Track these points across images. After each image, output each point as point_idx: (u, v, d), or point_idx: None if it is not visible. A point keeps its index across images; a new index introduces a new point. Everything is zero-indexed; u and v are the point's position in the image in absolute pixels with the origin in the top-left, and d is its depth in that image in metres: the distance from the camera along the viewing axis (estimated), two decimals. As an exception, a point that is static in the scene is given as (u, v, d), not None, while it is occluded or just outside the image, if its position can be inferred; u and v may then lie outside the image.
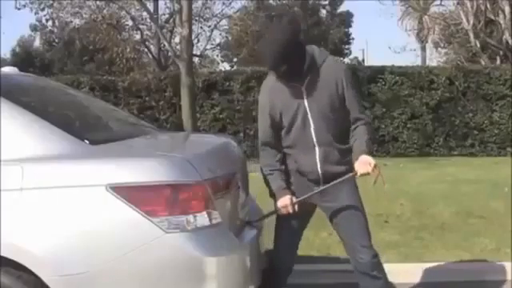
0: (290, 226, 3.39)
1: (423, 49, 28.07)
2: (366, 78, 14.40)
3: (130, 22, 18.62)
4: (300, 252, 4.66)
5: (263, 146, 3.35)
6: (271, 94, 3.28)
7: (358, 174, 3.19)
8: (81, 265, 2.55)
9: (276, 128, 3.29)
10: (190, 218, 2.60)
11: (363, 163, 3.18)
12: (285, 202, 3.25)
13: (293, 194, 3.29)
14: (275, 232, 3.45)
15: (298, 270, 3.51)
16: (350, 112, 3.29)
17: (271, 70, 3.23)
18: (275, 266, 3.43)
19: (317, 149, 3.24)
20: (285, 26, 3.15)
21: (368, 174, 3.18)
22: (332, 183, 3.24)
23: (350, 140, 3.30)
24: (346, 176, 3.24)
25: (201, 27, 18.83)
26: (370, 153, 3.23)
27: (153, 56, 19.48)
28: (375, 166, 3.17)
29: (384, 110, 14.41)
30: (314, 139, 3.23)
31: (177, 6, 13.53)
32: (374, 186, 3.25)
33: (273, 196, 3.35)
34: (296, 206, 3.26)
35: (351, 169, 3.30)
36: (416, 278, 4.50)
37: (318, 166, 3.25)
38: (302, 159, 3.27)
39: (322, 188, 3.25)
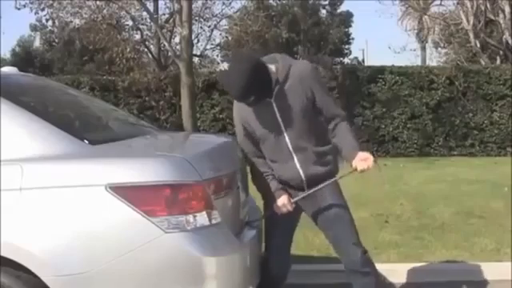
0: (280, 230, 3.39)
1: (423, 49, 28.08)
2: (365, 78, 14.40)
3: (130, 22, 18.60)
4: (300, 252, 4.67)
5: (249, 154, 3.35)
6: (241, 111, 3.26)
7: (358, 170, 3.18)
8: (80, 265, 2.55)
9: (252, 139, 3.30)
10: (190, 217, 2.60)
11: (362, 159, 3.18)
12: (284, 200, 3.26)
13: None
14: (265, 237, 3.45)
15: (298, 270, 3.51)
16: (323, 112, 3.27)
17: (241, 100, 3.19)
18: (270, 273, 3.42)
19: (295, 156, 3.24)
20: (242, 62, 3.10)
21: (368, 169, 3.18)
22: (331, 180, 3.24)
23: (332, 139, 3.30)
24: (347, 173, 3.24)
25: (201, 27, 18.81)
26: (360, 149, 3.23)
27: (153, 56, 19.46)
28: (374, 161, 3.17)
29: (384, 110, 14.40)
30: (290, 147, 3.22)
31: (177, 6, 13.52)
32: (380, 173, 3.28)
33: (261, 191, 3.36)
34: (293, 205, 3.27)
35: (335, 168, 3.33)
36: (416, 278, 4.51)
37: (301, 172, 3.25)
38: (283, 169, 3.27)
39: (319, 187, 3.23)
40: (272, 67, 3.19)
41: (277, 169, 3.30)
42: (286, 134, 3.21)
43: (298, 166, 3.25)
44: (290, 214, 3.32)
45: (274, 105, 3.18)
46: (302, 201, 3.32)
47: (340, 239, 3.34)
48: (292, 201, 3.27)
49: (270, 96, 3.17)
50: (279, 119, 3.19)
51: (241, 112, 3.28)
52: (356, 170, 3.19)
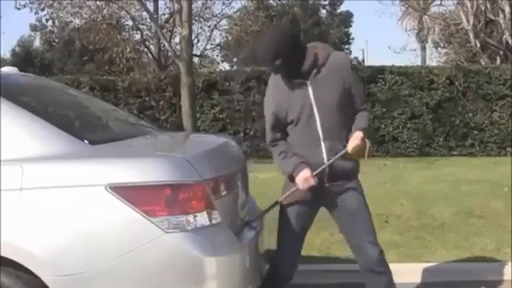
0: (293, 228, 3.38)
1: (423, 49, 28.07)
2: (365, 78, 14.39)
3: (130, 22, 18.61)
4: (300, 252, 4.66)
5: (272, 143, 3.37)
6: (276, 92, 3.30)
7: (349, 149, 3.18)
8: (80, 265, 2.55)
9: (282, 125, 3.31)
10: (190, 217, 2.60)
11: (353, 138, 3.19)
12: (306, 174, 3.22)
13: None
14: (278, 235, 3.44)
15: (298, 270, 3.50)
16: (353, 106, 3.31)
17: (265, 64, 3.27)
18: (277, 270, 3.42)
19: (322, 143, 3.23)
20: (279, 27, 3.20)
21: (357, 146, 3.16)
22: (334, 158, 3.21)
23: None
24: (340, 153, 3.21)
25: (201, 27, 18.82)
26: (366, 130, 3.23)
27: (153, 56, 19.47)
28: (363, 139, 3.16)
29: (384, 109, 14.41)
30: (320, 134, 3.23)
31: (177, 6, 13.53)
32: (366, 160, 3.26)
33: (292, 180, 3.30)
34: (316, 179, 3.22)
35: (357, 167, 3.34)
36: (416, 278, 4.50)
37: (325, 160, 3.24)
38: (309, 154, 3.26)
39: (332, 160, 3.21)
40: (311, 46, 3.26)
41: (302, 154, 3.27)
42: (317, 119, 3.22)
43: (324, 153, 3.23)
44: (305, 212, 3.32)
45: (310, 88, 3.21)
46: (322, 197, 3.30)
47: (357, 237, 3.35)
48: (314, 174, 3.22)
49: (299, 70, 3.19)
50: (313, 103, 3.21)
51: (275, 96, 3.29)
52: (348, 151, 3.19)
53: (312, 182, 3.22)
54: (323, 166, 3.23)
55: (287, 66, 3.17)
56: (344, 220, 3.37)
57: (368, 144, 3.22)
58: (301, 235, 3.44)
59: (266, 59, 3.23)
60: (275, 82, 3.31)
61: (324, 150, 3.23)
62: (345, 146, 3.23)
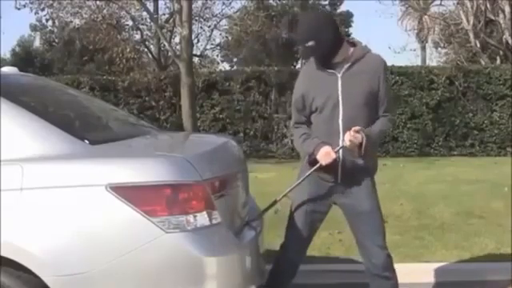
0: (301, 228, 3.39)
1: (423, 49, 28.10)
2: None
3: (130, 22, 18.62)
4: (300, 252, 4.65)
5: (296, 124, 3.42)
6: (306, 77, 3.37)
7: (346, 143, 3.17)
8: (81, 265, 2.55)
9: (307, 111, 3.35)
10: (190, 217, 2.60)
11: (350, 131, 3.17)
12: (327, 148, 3.22)
13: (309, 200, 3.35)
14: (286, 232, 3.45)
15: (298, 270, 3.50)
16: (378, 110, 3.31)
17: (300, 43, 3.30)
18: (281, 266, 3.43)
19: (341, 135, 3.24)
20: (321, 12, 3.31)
21: (352, 137, 3.14)
22: (339, 147, 3.22)
23: None
24: (339, 148, 3.22)
25: (201, 27, 18.84)
26: (369, 136, 3.20)
27: (153, 56, 19.48)
28: (357, 131, 3.15)
29: (384, 109, 14.39)
30: (341, 127, 3.24)
31: (177, 6, 13.52)
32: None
33: (312, 163, 3.32)
34: (337, 154, 3.22)
35: (373, 167, 3.36)
36: (416, 278, 4.50)
37: (341, 153, 3.24)
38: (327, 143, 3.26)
39: (337, 148, 3.22)
40: (351, 41, 3.35)
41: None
42: (341, 112, 3.24)
43: (340, 145, 3.24)
44: (317, 208, 3.35)
45: (340, 80, 3.24)
46: (334, 194, 3.33)
47: (366, 239, 3.34)
48: (335, 150, 3.22)
49: (329, 58, 3.24)
50: (340, 95, 3.24)
51: (305, 81, 3.36)
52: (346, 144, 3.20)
53: (333, 155, 3.20)
54: (342, 144, 3.22)
55: (319, 51, 3.22)
56: (354, 219, 3.37)
57: (364, 140, 3.17)
58: (309, 234, 3.44)
59: (300, 38, 3.28)
60: (308, 68, 3.39)
61: (341, 143, 3.24)
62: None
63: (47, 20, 18.17)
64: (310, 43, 3.19)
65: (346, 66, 3.25)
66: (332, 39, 3.22)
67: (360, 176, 3.31)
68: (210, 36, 19.46)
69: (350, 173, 3.28)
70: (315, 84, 3.30)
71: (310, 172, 3.30)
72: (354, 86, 3.23)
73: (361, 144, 3.17)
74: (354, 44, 3.34)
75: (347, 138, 3.17)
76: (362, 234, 3.36)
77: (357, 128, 3.16)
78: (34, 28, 31.54)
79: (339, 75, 3.25)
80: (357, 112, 3.24)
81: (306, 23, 3.30)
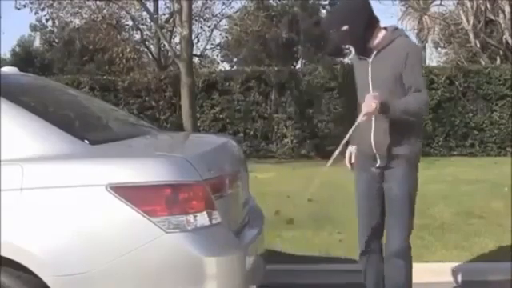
0: (369, 211, 3.48)
1: (423, 49, 28.07)
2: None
3: (130, 22, 18.61)
4: (300, 252, 4.68)
5: None
6: (354, 65, 3.51)
7: (361, 117, 3.20)
8: (81, 265, 2.55)
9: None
10: (190, 217, 2.60)
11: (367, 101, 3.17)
12: (370, 97, 3.16)
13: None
14: (359, 220, 3.53)
15: (298, 270, 3.51)
16: (408, 93, 3.28)
17: (333, 27, 3.33)
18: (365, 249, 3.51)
19: (373, 123, 3.28)
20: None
21: (370, 110, 3.14)
22: (355, 125, 3.26)
23: None
24: (358, 120, 3.23)
25: (201, 27, 18.84)
26: (391, 109, 3.18)
27: (153, 56, 19.48)
28: (375, 97, 3.13)
29: (384, 109, 14.39)
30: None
31: (177, 6, 13.52)
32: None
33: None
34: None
35: (411, 154, 3.51)
36: (416, 278, 4.48)
37: (372, 136, 3.30)
38: (361, 126, 3.30)
39: (357, 121, 3.24)
40: (384, 27, 3.35)
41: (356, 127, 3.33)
42: None
43: (372, 129, 3.29)
44: (374, 193, 3.44)
45: (370, 66, 3.32)
46: (380, 179, 3.40)
47: (392, 226, 3.40)
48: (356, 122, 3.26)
49: (363, 45, 3.29)
50: (370, 81, 3.30)
51: (354, 68, 3.51)
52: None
53: (377, 99, 3.13)
54: (355, 125, 3.26)
55: (353, 36, 3.26)
56: (388, 204, 3.44)
57: (378, 106, 3.13)
58: (376, 217, 3.49)
59: (333, 23, 3.35)
60: (354, 57, 3.51)
61: (373, 126, 3.28)
62: (399, 131, 3.31)
63: (47, 20, 18.18)
64: (344, 27, 3.23)
65: (376, 50, 3.30)
66: (365, 24, 3.26)
67: (395, 162, 3.39)
68: (209, 36, 19.48)
69: (387, 157, 3.33)
70: (357, 72, 3.46)
71: (359, 121, 3.25)
72: (382, 71, 3.27)
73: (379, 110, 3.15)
74: (386, 29, 3.37)
75: (362, 114, 3.19)
76: (389, 218, 3.43)
77: (367, 99, 3.16)
78: (33, 28, 31.54)
79: (370, 61, 3.32)
80: (386, 97, 3.20)
81: (340, 8, 3.43)
